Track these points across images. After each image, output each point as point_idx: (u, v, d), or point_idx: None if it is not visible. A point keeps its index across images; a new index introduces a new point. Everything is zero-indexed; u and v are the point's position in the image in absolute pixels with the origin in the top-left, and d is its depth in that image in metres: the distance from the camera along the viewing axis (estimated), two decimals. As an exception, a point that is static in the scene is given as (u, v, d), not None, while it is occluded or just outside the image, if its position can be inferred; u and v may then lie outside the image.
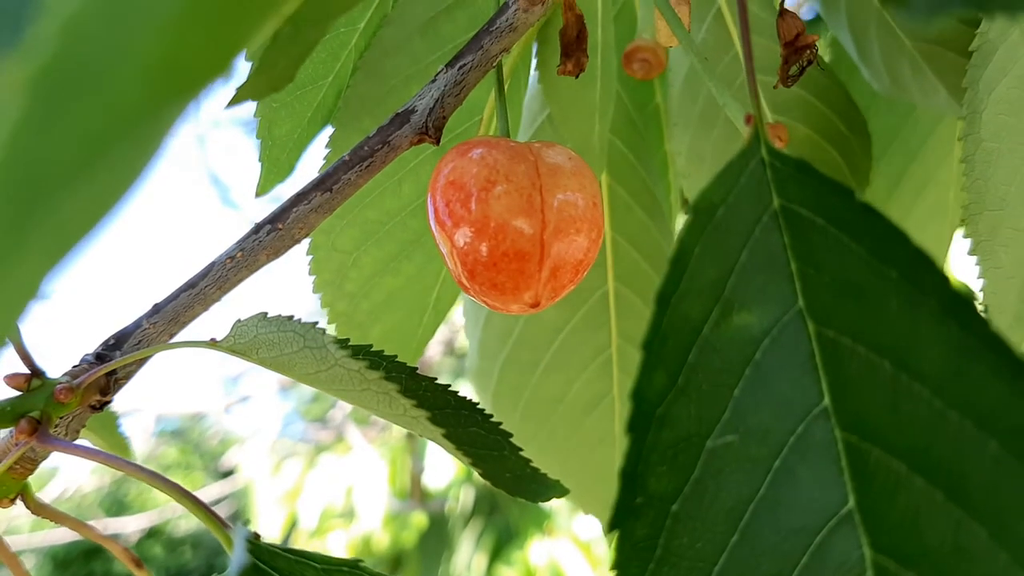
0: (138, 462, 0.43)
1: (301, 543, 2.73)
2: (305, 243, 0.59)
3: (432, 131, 0.46)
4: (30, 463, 0.43)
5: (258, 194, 0.58)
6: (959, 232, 1.15)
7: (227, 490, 3.73)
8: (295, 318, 0.41)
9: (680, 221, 0.89)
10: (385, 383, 0.40)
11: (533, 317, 0.73)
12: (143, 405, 3.75)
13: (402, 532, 2.92)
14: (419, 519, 2.98)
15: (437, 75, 0.47)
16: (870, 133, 0.74)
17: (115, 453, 0.49)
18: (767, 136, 0.33)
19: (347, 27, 0.57)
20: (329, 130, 0.58)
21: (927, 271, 0.29)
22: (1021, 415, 0.27)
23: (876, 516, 0.28)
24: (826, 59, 0.79)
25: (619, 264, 0.73)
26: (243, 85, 0.38)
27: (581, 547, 2.64)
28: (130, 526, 3.95)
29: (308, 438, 3.77)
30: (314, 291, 0.61)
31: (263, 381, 3.72)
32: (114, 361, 0.44)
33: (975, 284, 0.56)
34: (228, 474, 4.15)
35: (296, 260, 0.64)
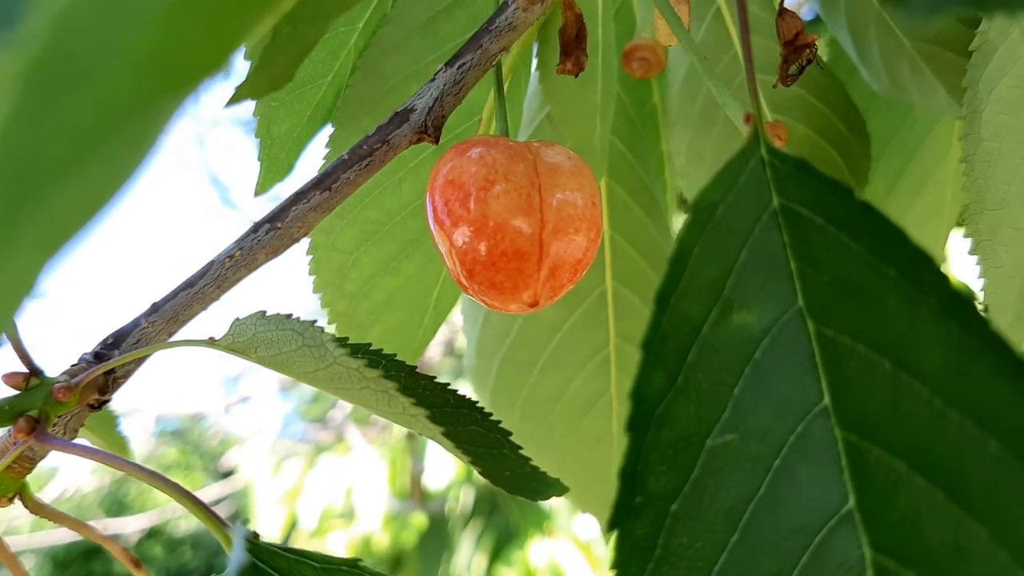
0: (137, 462, 0.43)
1: (301, 543, 2.73)
2: (305, 243, 0.58)
3: (431, 130, 0.46)
4: (28, 462, 0.43)
5: (257, 193, 0.58)
6: (959, 232, 1.16)
7: (227, 490, 3.73)
8: (294, 316, 0.41)
9: (677, 221, 0.89)
10: (384, 381, 0.40)
11: (531, 316, 0.73)
12: (143, 405, 3.75)
13: (402, 532, 2.92)
14: (419, 519, 2.97)
15: (436, 74, 0.47)
16: (869, 133, 0.74)
17: (114, 452, 0.48)
18: (767, 135, 0.33)
19: (346, 26, 0.56)
20: (328, 129, 0.58)
21: (926, 270, 0.29)
22: (1021, 414, 0.27)
23: (876, 515, 0.28)
24: (824, 59, 0.79)
25: (617, 263, 0.74)
26: (242, 84, 0.38)
27: (581, 547, 2.64)
28: (130, 526, 3.95)
29: (308, 438, 3.77)
30: (314, 291, 0.60)
31: (263, 381, 3.72)
32: (112, 360, 0.44)
33: (975, 283, 0.56)
34: (228, 474, 4.15)
35: (295, 260, 0.64)
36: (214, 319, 0.49)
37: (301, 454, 3.27)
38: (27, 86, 0.15)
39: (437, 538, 3.00)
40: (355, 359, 0.40)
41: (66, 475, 3.75)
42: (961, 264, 1.20)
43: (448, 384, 0.42)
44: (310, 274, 0.60)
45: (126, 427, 0.55)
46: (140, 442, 4.10)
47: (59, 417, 0.44)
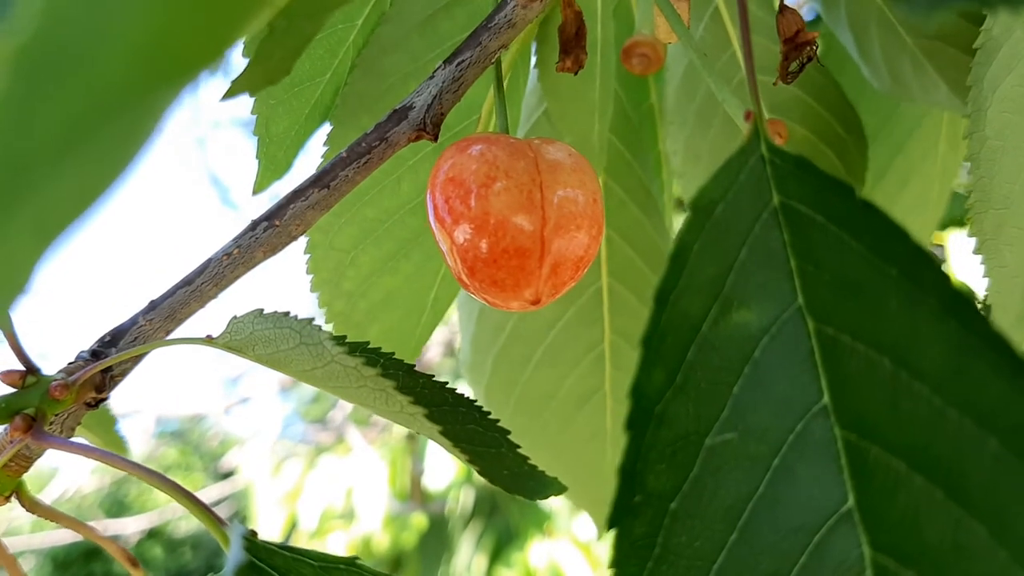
0: (135, 461, 0.43)
1: (301, 544, 2.73)
2: (302, 241, 0.58)
3: (430, 128, 0.46)
4: (25, 460, 0.43)
5: (255, 191, 0.58)
6: (960, 232, 1.16)
7: (227, 491, 3.73)
8: (291, 314, 0.41)
9: (676, 221, 0.89)
10: (382, 380, 0.40)
11: (526, 312, 0.73)
12: (143, 406, 3.75)
13: (402, 533, 2.92)
14: (419, 520, 2.97)
15: (435, 72, 0.47)
16: (867, 135, 0.74)
17: (111, 451, 0.48)
18: (767, 132, 0.33)
19: (345, 24, 0.56)
20: (327, 127, 0.58)
21: (927, 269, 0.29)
22: (1021, 413, 0.27)
23: (875, 514, 0.28)
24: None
25: (613, 260, 0.74)
26: (238, 77, 0.38)
27: (581, 548, 2.64)
28: (130, 527, 3.95)
29: (308, 439, 3.77)
30: (311, 290, 0.60)
31: (263, 382, 3.72)
32: (110, 358, 0.44)
33: (979, 283, 0.56)
34: (228, 475, 4.16)
35: (294, 259, 0.64)
36: (213, 318, 0.49)
37: (301, 455, 3.27)
38: (17, 72, 0.15)
39: (437, 539, 3.00)
40: (353, 357, 0.40)
41: (66, 476, 3.76)
42: (961, 264, 1.20)
43: (446, 383, 0.42)
44: (307, 273, 0.60)
45: (126, 428, 0.55)
46: (140, 443, 4.11)
47: (56, 415, 0.44)
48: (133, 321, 0.45)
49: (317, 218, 0.46)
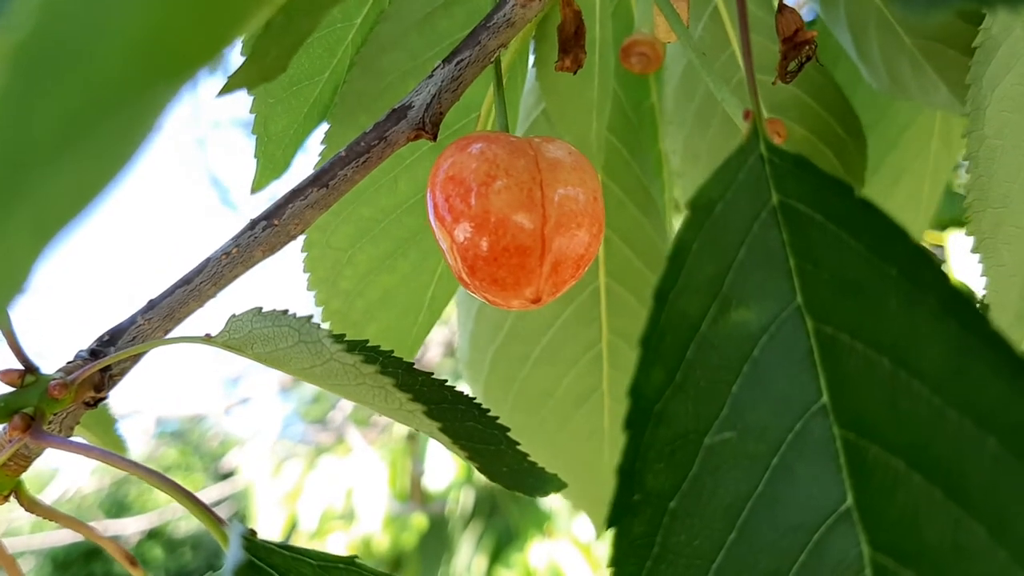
0: (134, 461, 0.42)
1: (301, 545, 2.73)
2: (300, 239, 0.58)
3: (429, 127, 0.46)
4: (24, 460, 0.43)
5: (253, 190, 0.58)
6: (960, 232, 1.16)
7: (227, 492, 3.73)
8: (290, 312, 0.41)
9: (677, 221, 0.89)
10: (381, 377, 0.40)
11: (525, 310, 0.73)
12: (143, 406, 3.75)
13: (402, 534, 2.92)
14: (419, 521, 2.97)
15: (434, 71, 0.47)
16: (866, 135, 0.74)
17: (110, 450, 0.48)
18: (766, 131, 0.33)
19: (343, 22, 0.56)
20: (325, 126, 0.58)
21: (926, 268, 0.29)
22: (1020, 413, 0.27)
23: (874, 514, 0.28)
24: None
25: (611, 260, 0.74)
26: (234, 74, 0.38)
27: (581, 549, 2.64)
28: (130, 527, 3.95)
29: (308, 440, 3.77)
30: (308, 288, 0.60)
31: (263, 382, 3.72)
32: (108, 357, 0.44)
33: (977, 282, 0.56)
34: (228, 476, 4.16)
35: (292, 258, 0.64)
36: (212, 317, 0.49)
37: (301, 455, 3.27)
38: (16, 69, 0.15)
39: (437, 539, 3.00)
40: (352, 355, 0.40)
41: (66, 476, 3.75)
42: (961, 264, 1.21)
43: (445, 380, 0.42)
44: (305, 271, 0.60)
45: (126, 428, 0.55)
46: (140, 443, 4.11)
47: (55, 414, 0.44)
48: (132, 320, 0.45)
49: (316, 217, 0.46)
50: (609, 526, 0.30)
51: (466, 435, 0.42)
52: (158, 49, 0.16)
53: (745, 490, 0.29)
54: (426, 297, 0.64)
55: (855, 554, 0.28)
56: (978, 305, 0.56)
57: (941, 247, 1.26)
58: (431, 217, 0.46)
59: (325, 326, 0.61)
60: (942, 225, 1.29)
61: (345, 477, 2.93)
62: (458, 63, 0.47)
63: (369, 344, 0.40)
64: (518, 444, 0.43)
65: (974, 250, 0.55)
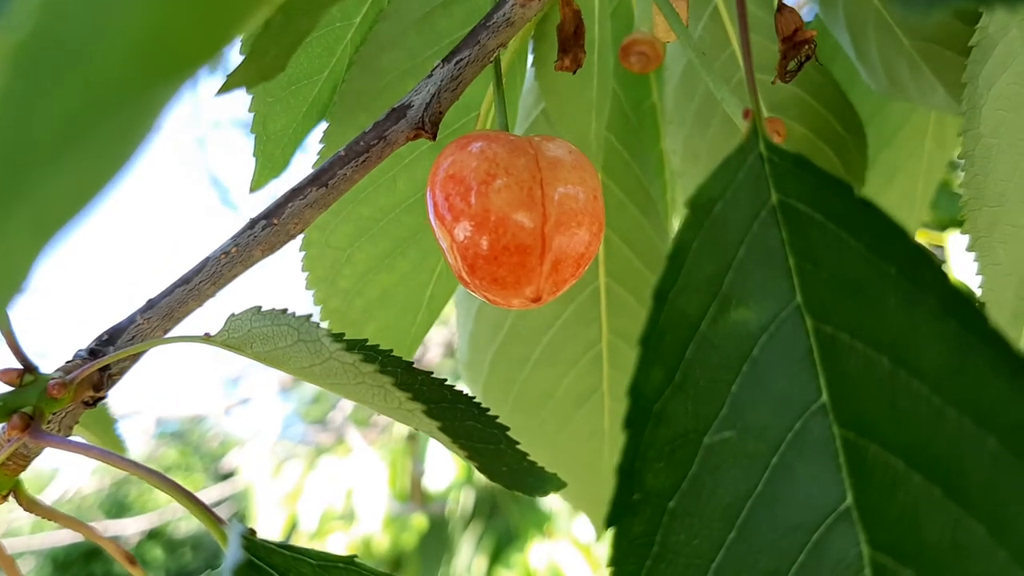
0: (133, 460, 0.42)
1: (301, 545, 2.72)
2: (299, 239, 0.58)
3: (428, 126, 0.46)
4: (22, 459, 0.43)
5: (252, 189, 0.58)
6: (959, 232, 1.16)
7: (227, 492, 3.73)
8: (289, 311, 0.41)
9: (676, 220, 0.89)
10: (380, 376, 0.40)
11: (524, 311, 0.73)
12: (143, 407, 3.75)
13: (402, 534, 2.92)
14: (419, 521, 2.97)
15: (433, 70, 0.47)
16: (866, 133, 0.74)
17: (109, 450, 0.48)
18: (765, 131, 0.33)
19: (343, 22, 0.56)
20: (324, 125, 0.58)
21: (926, 267, 0.29)
22: (1020, 412, 0.27)
23: (874, 513, 0.28)
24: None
25: (611, 260, 0.74)
26: (233, 73, 0.38)
27: (581, 549, 2.64)
28: (130, 528, 3.95)
29: (308, 440, 3.77)
30: (307, 288, 0.60)
31: (263, 383, 3.72)
32: (107, 356, 0.44)
33: (973, 280, 0.56)
34: (228, 476, 4.16)
35: (291, 257, 0.64)
36: (211, 316, 0.49)
37: (301, 456, 3.27)
38: (16, 68, 0.15)
39: (437, 540, 3.00)
40: (351, 354, 0.40)
41: (66, 476, 3.75)
42: (961, 264, 1.21)
43: (445, 379, 0.42)
44: (303, 270, 0.60)
45: (126, 428, 0.55)
46: (141, 443, 4.11)
47: (54, 414, 0.44)
48: (131, 320, 0.45)
49: (315, 216, 0.46)
50: (608, 525, 0.30)
51: (465, 434, 0.42)
52: (158, 48, 0.16)
53: (744, 489, 0.29)
54: (425, 296, 0.64)
55: (855, 553, 0.28)
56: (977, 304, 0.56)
57: (941, 247, 1.26)
58: (431, 216, 0.46)
59: (324, 325, 0.61)
60: (942, 225, 1.30)
61: (345, 477, 2.93)
62: (457, 62, 0.47)
63: (368, 343, 0.40)
64: (517, 443, 0.43)
65: (969, 248, 0.55)
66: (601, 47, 0.58)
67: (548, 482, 0.45)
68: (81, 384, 0.43)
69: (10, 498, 0.44)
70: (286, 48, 0.36)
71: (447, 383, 0.42)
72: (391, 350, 0.41)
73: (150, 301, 0.45)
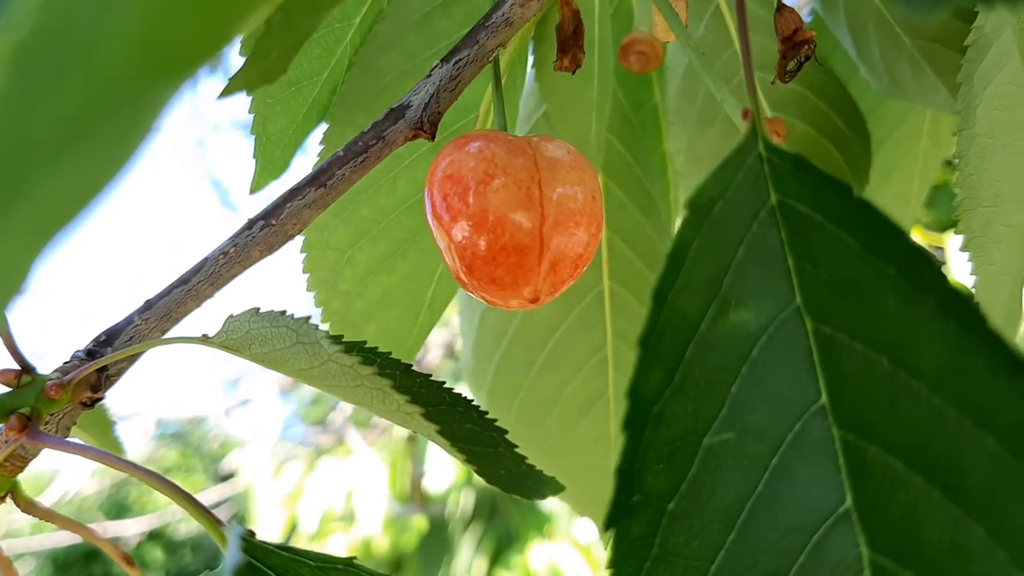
0: (132, 461, 0.42)
1: (301, 546, 2.72)
2: (299, 240, 0.58)
3: (427, 126, 0.46)
4: (20, 460, 0.43)
5: (252, 190, 0.58)
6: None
7: (227, 493, 3.73)
8: (288, 313, 0.41)
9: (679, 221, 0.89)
10: (378, 379, 0.40)
11: (528, 316, 0.73)
12: (143, 408, 3.75)
13: (402, 536, 2.92)
14: (419, 523, 2.97)
15: (432, 70, 0.47)
16: (868, 130, 0.74)
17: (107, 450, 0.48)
18: (764, 131, 0.33)
19: (342, 22, 0.56)
20: (324, 127, 0.58)
21: (925, 268, 0.29)
22: (1019, 412, 0.27)
23: (873, 514, 0.28)
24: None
25: (614, 263, 0.73)
26: (235, 75, 0.38)
27: (581, 551, 2.64)
28: (130, 529, 3.95)
29: (308, 441, 3.77)
30: (308, 289, 0.60)
31: (263, 384, 3.72)
32: (105, 357, 0.44)
33: (968, 280, 0.56)
34: (228, 477, 4.16)
35: (291, 258, 0.64)
36: (210, 317, 0.49)
37: (301, 457, 3.27)
38: (16, 68, 0.15)
39: (437, 541, 3.00)
40: (349, 356, 0.40)
41: (66, 478, 3.75)
42: (960, 264, 1.21)
43: (444, 382, 0.42)
44: (304, 272, 0.60)
45: (126, 430, 0.55)
46: (140, 445, 4.11)
47: (51, 415, 0.44)
48: (129, 320, 0.45)
49: (314, 217, 0.46)
50: (608, 527, 0.30)
51: (464, 437, 0.42)
52: (158, 48, 0.16)
53: (744, 491, 0.29)
54: (426, 298, 0.64)
55: (854, 555, 0.28)
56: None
57: (941, 248, 1.26)
58: (429, 216, 0.46)
59: (325, 327, 0.61)
60: (942, 226, 1.30)
61: (345, 479, 2.93)
62: (456, 62, 0.46)
63: (367, 345, 0.40)
64: (516, 446, 0.43)
65: (964, 248, 0.55)
66: (601, 48, 0.58)
67: (546, 485, 0.45)
68: (79, 385, 0.43)
69: (8, 499, 0.44)
70: (287, 50, 0.36)
71: (446, 386, 0.42)
72: (390, 352, 0.41)
73: (148, 302, 0.45)
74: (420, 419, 0.41)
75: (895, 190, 0.83)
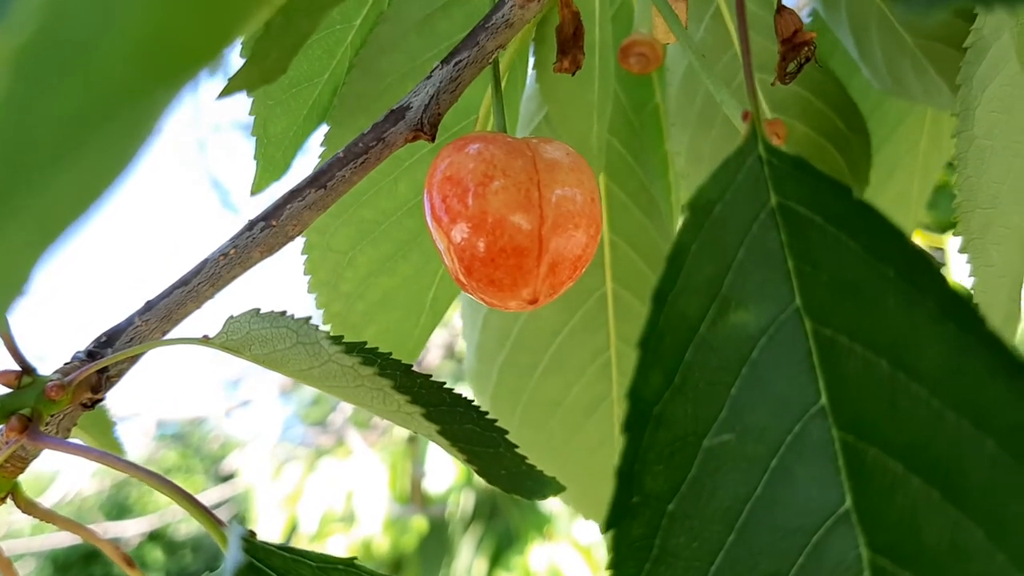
0: (132, 461, 0.42)
1: (301, 547, 2.72)
2: (300, 242, 0.58)
3: (427, 128, 0.46)
4: (20, 461, 0.43)
5: (253, 192, 0.58)
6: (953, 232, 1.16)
7: (227, 494, 3.72)
8: (288, 313, 0.41)
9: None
10: (379, 379, 0.40)
11: (531, 319, 0.73)
12: (144, 409, 3.75)
13: (402, 536, 2.92)
14: (419, 523, 2.97)
15: (432, 72, 0.47)
16: (869, 131, 0.74)
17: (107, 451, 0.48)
18: (764, 133, 0.33)
19: (343, 24, 0.56)
20: (325, 128, 0.58)
21: (925, 270, 0.29)
22: (1018, 414, 0.27)
23: (873, 515, 0.28)
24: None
25: (617, 265, 0.73)
26: (235, 76, 0.38)
27: (581, 551, 2.64)
28: (130, 530, 3.95)
29: (308, 442, 3.77)
30: (309, 291, 0.60)
31: (263, 385, 3.72)
32: (106, 358, 0.44)
33: (967, 282, 0.56)
34: (228, 478, 4.16)
35: (292, 260, 0.64)
36: (210, 318, 0.49)
37: (301, 458, 3.27)
38: (18, 70, 0.15)
39: (437, 542, 3.00)
40: (350, 357, 0.40)
41: (67, 479, 3.75)
42: (960, 266, 1.20)
43: (444, 383, 0.42)
44: (305, 274, 0.60)
45: (126, 430, 0.55)
46: (141, 445, 4.11)
47: (52, 416, 0.44)
48: (129, 322, 0.45)
49: (314, 218, 0.46)
50: (608, 528, 0.30)
51: (464, 438, 0.42)
52: (159, 51, 0.16)
53: (744, 492, 0.29)
54: (427, 299, 0.64)
55: (854, 556, 0.28)
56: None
57: (941, 249, 1.26)
58: (428, 218, 0.46)
59: (326, 328, 0.61)
60: (942, 227, 1.29)
61: (345, 479, 2.93)
62: (456, 64, 0.46)
63: (368, 346, 0.40)
64: (516, 447, 0.43)
65: (962, 250, 0.55)
66: (602, 50, 0.58)
67: (547, 486, 0.45)
68: (79, 386, 0.43)
69: (9, 500, 0.44)
70: (287, 50, 0.36)
71: (446, 386, 0.42)
72: (390, 353, 0.41)
73: (148, 303, 0.45)
74: (420, 419, 0.41)
75: (895, 191, 0.83)
